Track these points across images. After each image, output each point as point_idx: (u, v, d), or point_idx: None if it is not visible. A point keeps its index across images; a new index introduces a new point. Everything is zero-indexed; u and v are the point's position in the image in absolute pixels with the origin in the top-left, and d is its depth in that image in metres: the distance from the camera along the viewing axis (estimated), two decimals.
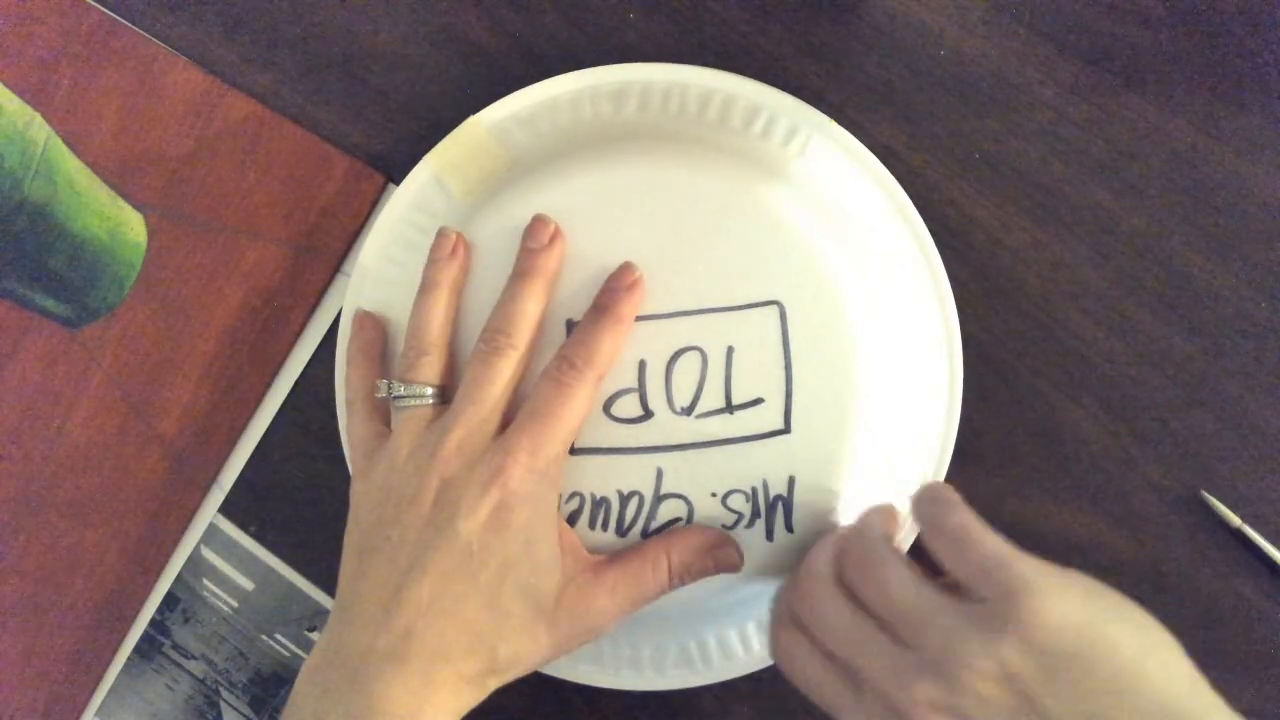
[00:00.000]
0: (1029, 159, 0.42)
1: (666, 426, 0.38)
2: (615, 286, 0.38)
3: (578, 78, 0.41)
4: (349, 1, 0.45)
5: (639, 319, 0.38)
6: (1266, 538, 0.40)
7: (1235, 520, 0.40)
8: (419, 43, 0.44)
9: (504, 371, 0.37)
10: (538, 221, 0.38)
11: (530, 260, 0.38)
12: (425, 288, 0.39)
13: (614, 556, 0.38)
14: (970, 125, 0.42)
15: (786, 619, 0.35)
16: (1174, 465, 0.41)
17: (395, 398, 0.38)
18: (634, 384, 0.38)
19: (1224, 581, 0.40)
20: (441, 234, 0.39)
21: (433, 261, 0.39)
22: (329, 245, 0.45)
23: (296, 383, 0.45)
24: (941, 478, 0.40)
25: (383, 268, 0.42)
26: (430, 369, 0.38)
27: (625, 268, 0.38)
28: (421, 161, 0.41)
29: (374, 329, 0.41)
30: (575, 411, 0.36)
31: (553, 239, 0.38)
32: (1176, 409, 0.41)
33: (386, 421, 0.39)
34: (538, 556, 0.35)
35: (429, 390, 0.38)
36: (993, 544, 0.30)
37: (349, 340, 0.42)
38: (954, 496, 0.32)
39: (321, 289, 0.45)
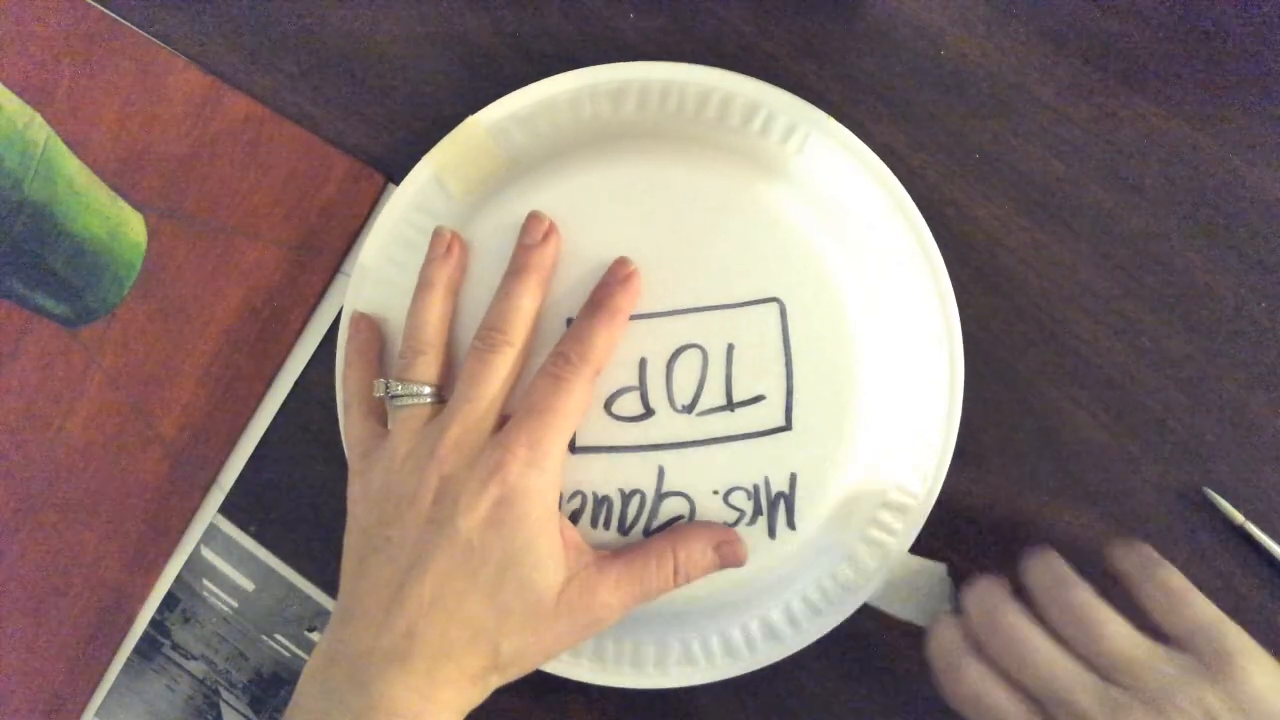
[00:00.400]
0: (1029, 159, 0.42)
1: (668, 424, 0.38)
2: (610, 281, 0.38)
3: (576, 77, 0.41)
4: (349, 1, 0.45)
5: (639, 317, 0.38)
6: (1268, 537, 0.40)
7: (1239, 517, 0.39)
8: (419, 43, 0.45)
9: (500, 368, 0.37)
10: (533, 218, 0.38)
11: (525, 256, 0.38)
12: (421, 287, 0.39)
13: (618, 551, 0.38)
14: (970, 125, 0.42)
15: (970, 653, 0.36)
16: (1174, 465, 0.40)
17: (392, 397, 0.38)
18: (635, 382, 0.38)
19: (1224, 581, 0.40)
20: (437, 233, 0.39)
21: (428, 261, 0.39)
22: (329, 245, 0.45)
23: (296, 383, 0.45)
24: (942, 477, 0.40)
25: (382, 268, 0.42)
26: (427, 368, 0.38)
27: (620, 262, 0.38)
28: (421, 161, 0.41)
29: (370, 330, 0.41)
30: (573, 406, 0.36)
31: (547, 235, 0.38)
32: (1176, 409, 0.41)
33: (384, 422, 0.39)
34: (539, 552, 0.35)
35: (426, 389, 0.38)
36: (1206, 607, 0.34)
37: (346, 341, 0.42)
38: (1157, 555, 0.36)
39: (321, 289, 0.45)
